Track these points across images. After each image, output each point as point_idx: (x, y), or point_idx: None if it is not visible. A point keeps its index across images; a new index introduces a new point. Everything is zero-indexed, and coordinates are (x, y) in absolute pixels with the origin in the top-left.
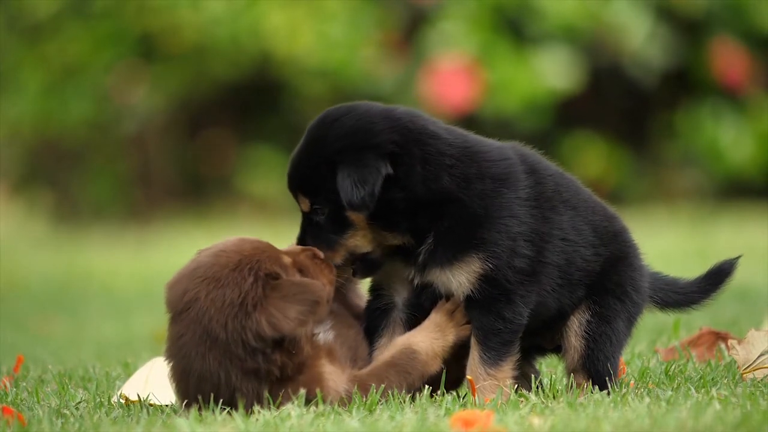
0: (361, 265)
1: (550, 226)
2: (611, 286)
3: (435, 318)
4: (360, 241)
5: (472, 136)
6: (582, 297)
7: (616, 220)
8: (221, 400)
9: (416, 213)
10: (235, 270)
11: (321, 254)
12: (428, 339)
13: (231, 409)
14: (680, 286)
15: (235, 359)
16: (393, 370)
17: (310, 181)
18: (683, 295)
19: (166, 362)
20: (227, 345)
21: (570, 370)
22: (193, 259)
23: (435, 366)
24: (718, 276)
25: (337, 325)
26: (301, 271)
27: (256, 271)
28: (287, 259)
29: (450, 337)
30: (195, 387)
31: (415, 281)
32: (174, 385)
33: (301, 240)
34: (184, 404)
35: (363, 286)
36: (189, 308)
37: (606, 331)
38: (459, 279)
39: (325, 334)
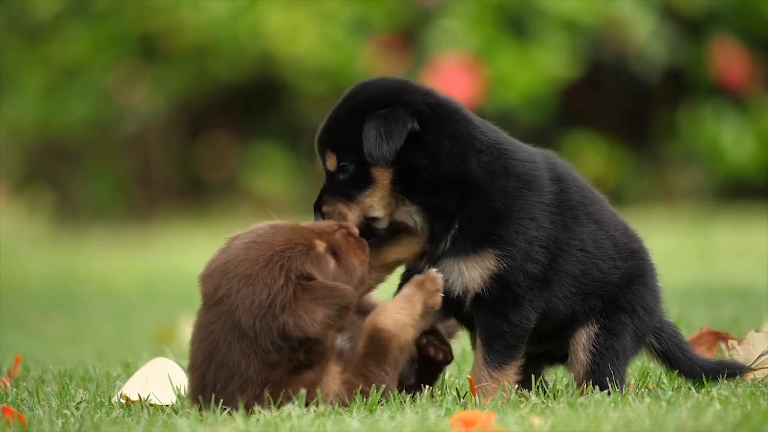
0: (366, 232)
1: (569, 236)
2: (623, 302)
3: (404, 290)
4: (377, 202)
5: (504, 134)
6: (596, 306)
7: (636, 240)
8: (221, 400)
9: (438, 191)
10: (266, 267)
11: (356, 231)
12: (393, 311)
13: (231, 409)
14: (687, 350)
15: (260, 352)
16: (372, 362)
17: (338, 136)
18: (687, 359)
19: (191, 345)
20: (255, 340)
21: (578, 384)
22: (225, 247)
23: (408, 335)
24: (727, 369)
25: (356, 336)
26: (335, 252)
27: (287, 270)
28: (321, 246)
29: (417, 306)
30: (215, 372)
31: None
32: (192, 366)
33: (320, 198)
34: (194, 389)
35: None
36: (221, 302)
37: (613, 345)
38: (472, 273)
39: (342, 342)
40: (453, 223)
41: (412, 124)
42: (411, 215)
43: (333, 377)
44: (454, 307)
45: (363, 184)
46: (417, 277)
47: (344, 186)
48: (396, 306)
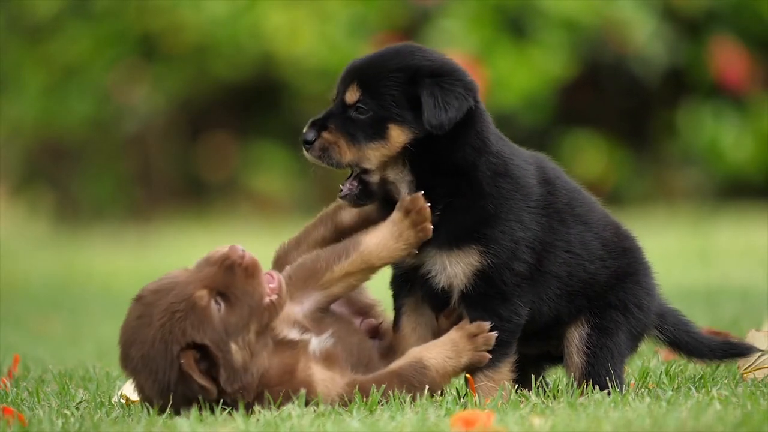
0: (355, 185)
1: (555, 237)
2: (614, 301)
3: (455, 336)
4: (377, 157)
5: (507, 141)
6: (583, 306)
7: (628, 238)
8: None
9: (441, 173)
10: (153, 347)
11: (238, 256)
12: (442, 357)
13: (231, 409)
14: (693, 332)
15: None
16: (397, 380)
17: (376, 79)
18: (694, 340)
19: None
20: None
21: (577, 385)
22: (125, 318)
23: (443, 384)
24: (734, 349)
25: (338, 332)
26: (223, 294)
27: (170, 345)
28: (203, 299)
29: (464, 359)
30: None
31: (407, 260)
32: None
33: (324, 121)
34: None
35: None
36: (133, 376)
37: (606, 344)
38: (455, 269)
39: (322, 342)
40: (436, 210)
41: (472, 102)
42: (403, 183)
43: (331, 383)
44: (439, 300)
45: (374, 136)
46: (470, 328)
47: (353, 125)
48: (445, 353)
